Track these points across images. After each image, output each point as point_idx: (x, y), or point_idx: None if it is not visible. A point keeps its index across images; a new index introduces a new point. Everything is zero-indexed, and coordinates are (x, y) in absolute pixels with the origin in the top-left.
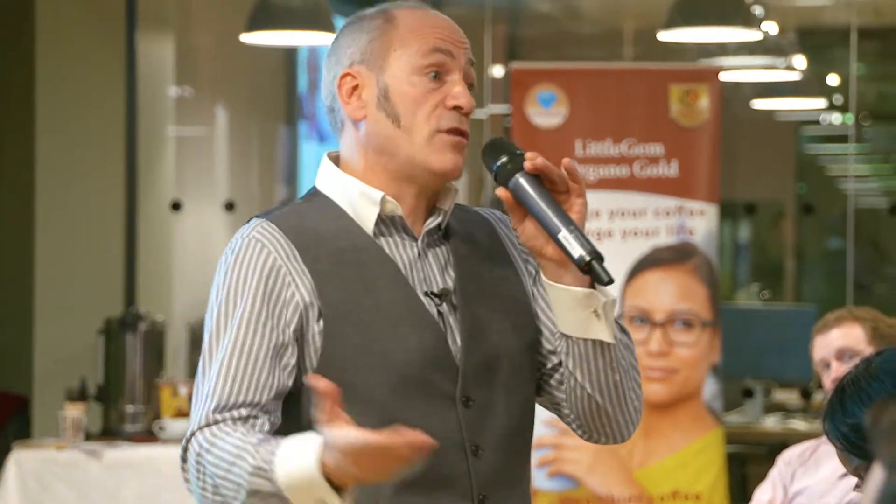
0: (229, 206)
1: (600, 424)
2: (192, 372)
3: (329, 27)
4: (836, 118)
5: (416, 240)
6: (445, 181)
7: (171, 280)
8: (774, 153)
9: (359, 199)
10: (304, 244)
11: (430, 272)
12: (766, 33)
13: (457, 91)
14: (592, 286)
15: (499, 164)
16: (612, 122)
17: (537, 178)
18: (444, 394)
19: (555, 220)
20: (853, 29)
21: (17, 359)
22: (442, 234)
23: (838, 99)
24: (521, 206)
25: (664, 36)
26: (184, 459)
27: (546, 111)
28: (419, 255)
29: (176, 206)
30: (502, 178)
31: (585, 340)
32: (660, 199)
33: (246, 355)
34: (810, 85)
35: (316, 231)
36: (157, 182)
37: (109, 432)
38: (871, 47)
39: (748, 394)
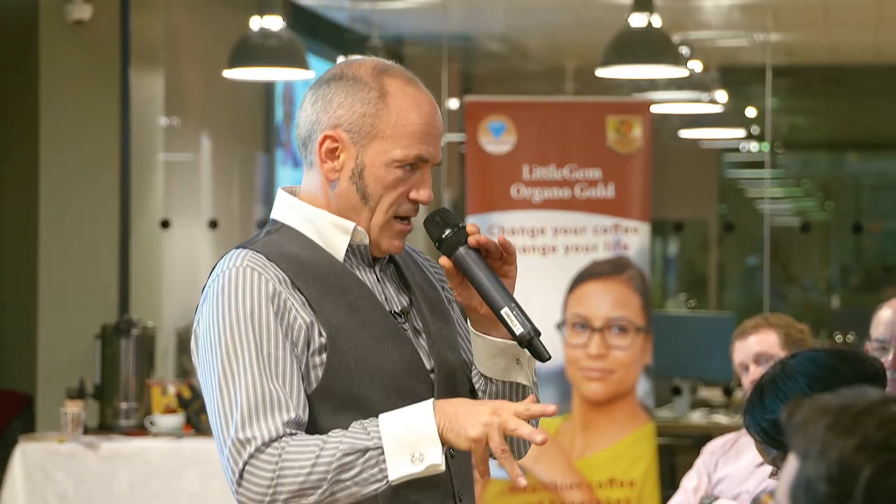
0: (213, 225)
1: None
2: (179, 372)
3: (303, 64)
4: (753, 147)
5: (372, 267)
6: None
7: (160, 290)
8: (699, 177)
9: (328, 229)
10: (293, 270)
11: (390, 294)
12: (691, 71)
13: (422, 187)
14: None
15: (444, 236)
16: (556, 150)
17: (478, 250)
18: None
19: (497, 296)
20: (768, 67)
21: (22, 361)
22: (387, 261)
23: (755, 129)
24: (462, 274)
25: (602, 73)
26: (241, 475)
27: (497, 139)
28: (378, 279)
29: (165, 225)
30: (446, 248)
31: (504, 382)
32: (598, 218)
33: (282, 375)
34: (731, 117)
35: (298, 258)
36: (147, 203)
37: (105, 427)
38: (784, 84)
39: (676, 391)
